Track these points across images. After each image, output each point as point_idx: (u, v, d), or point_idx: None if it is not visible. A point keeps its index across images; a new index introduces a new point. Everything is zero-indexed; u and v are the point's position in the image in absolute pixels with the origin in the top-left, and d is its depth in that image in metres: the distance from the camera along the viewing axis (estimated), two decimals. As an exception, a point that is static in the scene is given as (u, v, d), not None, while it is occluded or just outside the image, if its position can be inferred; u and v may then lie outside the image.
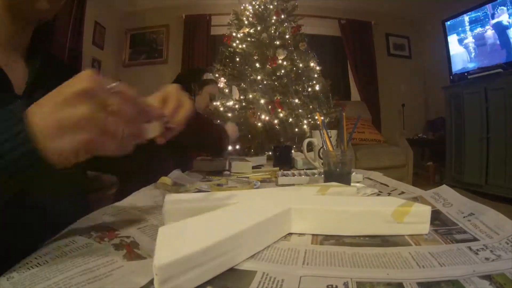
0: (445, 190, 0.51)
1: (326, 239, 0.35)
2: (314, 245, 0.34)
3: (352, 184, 0.64)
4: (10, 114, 0.27)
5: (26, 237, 0.41)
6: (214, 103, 1.58)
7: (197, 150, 1.19)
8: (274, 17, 1.96)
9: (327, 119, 1.86)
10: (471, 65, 2.91)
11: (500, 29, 2.62)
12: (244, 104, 1.82)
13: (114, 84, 0.30)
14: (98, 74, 0.29)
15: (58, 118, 0.27)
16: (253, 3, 2.03)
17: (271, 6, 1.99)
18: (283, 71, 1.87)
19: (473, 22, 2.86)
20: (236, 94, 1.88)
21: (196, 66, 3.50)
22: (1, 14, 0.46)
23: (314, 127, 1.80)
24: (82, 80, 0.28)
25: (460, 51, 3.04)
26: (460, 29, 3.01)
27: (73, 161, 0.29)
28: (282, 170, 0.84)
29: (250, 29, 1.98)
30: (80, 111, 0.27)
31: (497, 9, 2.61)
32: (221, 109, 1.84)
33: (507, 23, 2.55)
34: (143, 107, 0.33)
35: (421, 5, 3.52)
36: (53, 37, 0.60)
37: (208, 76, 1.53)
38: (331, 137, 0.85)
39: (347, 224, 0.36)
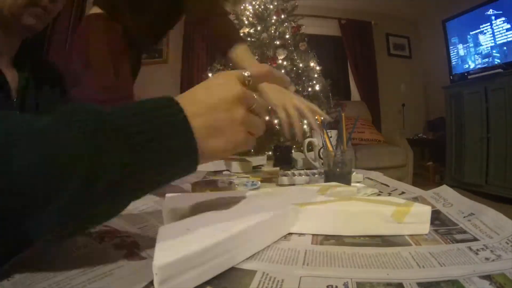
0: (445, 190, 0.51)
1: (326, 239, 0.35)
2: (314, 245, 0.34)
3: (352, 184, 0.64)
4: (176, 124, 0.27)
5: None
6: None
7: None
8: (274, 17, 1.96)
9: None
10: (471, 65, 2.91)
11: (501, 28, 2.61)
12: (244, 104, 1.82)
13: (247, 73, 0.33)
14: (242, 76, 0.33)
15: (214, 120, 0.29)
16: (253, 3, 2.04)
17: (271, 6, 1.99)
18: (283, 71, 1.87)
19: (473, 22, 2.86)
20: (236, 94, 1.88)
21: (196, 66, 3.50)
22: None
23: (314, 127, 1.80)
24: (234, 87, 0.31)
25: (460, 51, 3.04)
26: (460, 29, 3.01)
27: (220, 158, 0.32)
28: (282, 170, 0.84)
29: (250, 29, 1.98)
30: (234, 115, 0.30)
31: (497, 9, 2.61)
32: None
33: (508, 23, 2.55)
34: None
35: (421, 5, 3.52)
36: (44, 45, 0.63)
37: None
38: (331, 137, 0.85)
39: (347, 224, 0.36)
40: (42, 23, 0.53)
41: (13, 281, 0.25)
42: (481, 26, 2.78)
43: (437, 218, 0.41)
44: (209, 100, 0.29)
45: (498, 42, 2.65)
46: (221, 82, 0.31)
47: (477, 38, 2.84)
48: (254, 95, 0.33)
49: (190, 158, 0.28)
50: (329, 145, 0.67)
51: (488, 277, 0.25)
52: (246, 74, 0.33)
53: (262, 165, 1.09)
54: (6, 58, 0.54)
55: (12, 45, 0.55)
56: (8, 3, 0.48)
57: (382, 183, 0.68)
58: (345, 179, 0.60)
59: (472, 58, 2.92)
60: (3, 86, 0.50)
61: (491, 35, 2.70)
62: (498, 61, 2.59)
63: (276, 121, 1.75)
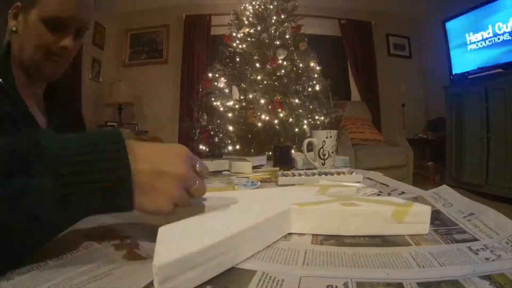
0: (445, 190, 0.51)
1: (326, 239, 0.35)
2: (314, 245, 0.34)
3: (352, 184, 0.64)
4: (118, 155, 0.29)
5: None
6: None
7: None
8: (274, 17, 1.96)
9: (327, 119, 1.86)
10: (471, 65, 2.91)
11: (501, 29, 2.61)
12: (244, 104, 1.82)
13: (199, 166, 0.36)
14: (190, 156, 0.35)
15: (152, 186, 0.31)
16: (253, 3, 2.04)
17: (271, 6, 1.99)
18: (283, 71, 1.87)
19: (474, 22, 2.86)
20: (236, 94, 1.88)
21: (196, 67, 3.49)
22: (19, 72, 0.57)
23: (314, 127, 1.80)
24: (180, 165, 0.32)
25: (461, 51, 3.04)
26: (460, 29, 3.01)
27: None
28: (282, 170, 0.84)
29: (250, 29, 1.98)
30: (172, 191, 0.32)
31: (497, 9, 2.61)
32: (221, 109, 1.84)
33: (507, 23, 2.55)
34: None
35: (421, 5, 3.52)
36: (67, 90, 0.71)
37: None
38: (331, 137, 0.85)
39: (347, 224, 0.36)
40: (59, 70, 0.59)
41: (13, 282, 0.25)
42: (481, 26, 2.78)
43: (437, 218, 0.41)
44: (152, 166, 0.31)
45: (498, 42, 2.65)
46: (170, 154, 0.33)
47: (477, 38, 2.84)
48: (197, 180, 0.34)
49: (125, 207, 0.30)
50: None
51: (488, 277, 0.25)
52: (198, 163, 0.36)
53: (262, 165, 1.09)
54: (34, 101, 0.61)
55: (38, 89, 0.62)
56: (27, 56, 0.55)
57: (382, 183, 0.68)
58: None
59: (472, 58, 2.92)
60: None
61: (491, 35, 2.70)
62: (498, 61, 2.59)
63: (276, 121, 1.75)
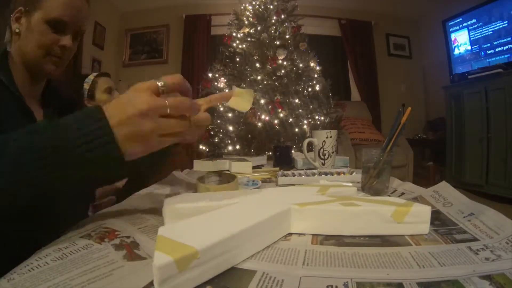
0: (444, 187, 0.51)
1: (326, 239, 0.35)
2: (314, 245, 0.34)
3: (352, 184, 0.64)
4: (92, 118, 0.33)
5: (26, 239, 0.41)
6: (114, 95, 1.62)
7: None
8: (274, 17, 1.96)
9: (327, 119, 1.86)
10: (471, 65, 2.91)
11: (500, 29, 2.61)
12: (244, 104, 1.82)
13: (161, 83, 0.35)
14: (153, 87, 0.35)
15: (130, 131, 0.33)
16: (253, 3, 2.03)
17: (271, 6, 1.99)
18: (283, 71, 1.87)
19: (474, 22, 2.86)
20: (236, 94, 1.88)
21: (196, 67, 3.50)
22: (20, 70, 0.62)
23: (314, 127, 1.80)
24: (140, 101, 0.33)
25: (460, 51, 3.04)
26: (460, 29, 3.01)
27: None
28: (282, 170, 0.84)
29: (250, 29, 1.98)
30: (146, 127, 0.33)
31: (497, 9, 2.61)
32: (221, 109, 1.84)
33: (507, 23, 2.55)
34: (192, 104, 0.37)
35: (421, 5, 3.52)
36: (63, 87, 0.78)
37: (95, 74, 1.60)
38: (331, 137, 0.85)
39: (347, 224, 0.36)
40: (59, 68, 0.65)
41: (13, 282, 0.25)
42: (481, 26, 2.78)
43: (437, 218, 0.41)
44: (122, 116, 0.33)
45: (498, 42, 2.65)
46: (130, 97, 0.34)
47: (477, 38, 2.84)
48: (167, 100, 0.34)
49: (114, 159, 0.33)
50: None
51: (488, 277, 0.25)
52: (160, 83, 0.35)
53: (262, 165, 1.09)
54: (34, 98, 0.66)
55: (38, 86, 0.67)
56: (30, 54, 0.61)
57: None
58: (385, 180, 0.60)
59: (472, 58, 2.92)
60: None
61: (491, 35, 2.70)
62: (499, 61, 2.59)
63: (276, 121, 1.75)
